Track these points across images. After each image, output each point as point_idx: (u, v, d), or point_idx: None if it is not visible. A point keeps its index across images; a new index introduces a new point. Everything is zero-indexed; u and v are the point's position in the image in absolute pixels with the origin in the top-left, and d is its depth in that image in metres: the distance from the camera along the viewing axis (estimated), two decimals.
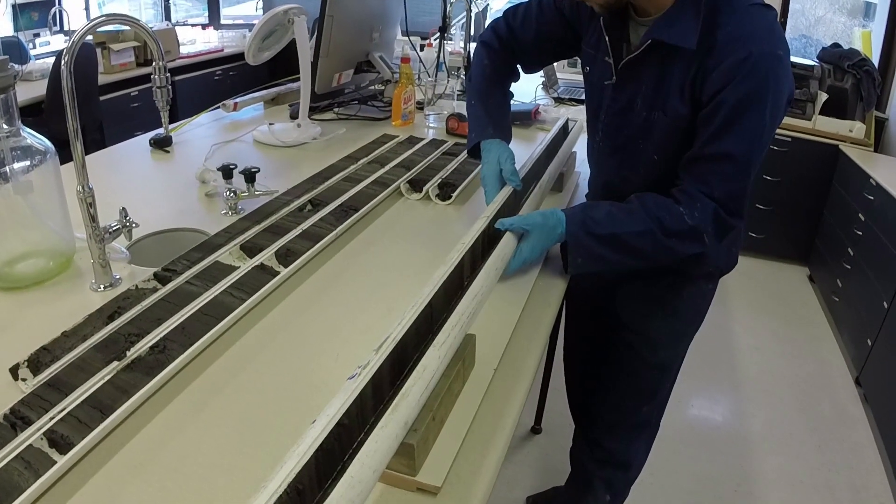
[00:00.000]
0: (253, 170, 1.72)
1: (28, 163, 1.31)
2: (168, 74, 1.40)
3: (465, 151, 1.74)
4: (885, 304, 3.00)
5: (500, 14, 1.75)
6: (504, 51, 1.72)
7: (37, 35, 5.02)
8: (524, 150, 2.04)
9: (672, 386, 1.86)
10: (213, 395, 1.06)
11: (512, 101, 1.82)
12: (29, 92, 3.99)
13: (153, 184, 1.95)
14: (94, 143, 4.20)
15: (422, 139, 2.27)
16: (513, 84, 1.82)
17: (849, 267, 3.58)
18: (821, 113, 4.13)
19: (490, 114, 1.69)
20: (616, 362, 1.82)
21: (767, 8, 1.31)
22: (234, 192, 1.69)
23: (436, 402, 0.94)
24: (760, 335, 3.64)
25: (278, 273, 1.36)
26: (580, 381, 2.19)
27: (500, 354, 1.19)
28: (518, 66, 1.79)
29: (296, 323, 1.26)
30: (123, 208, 1.39)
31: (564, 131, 2.17)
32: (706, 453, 2.79)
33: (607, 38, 1.44)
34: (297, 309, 1.31)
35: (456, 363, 1.03)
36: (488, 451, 0.97)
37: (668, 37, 1.30)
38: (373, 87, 2.92)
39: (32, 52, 4.79)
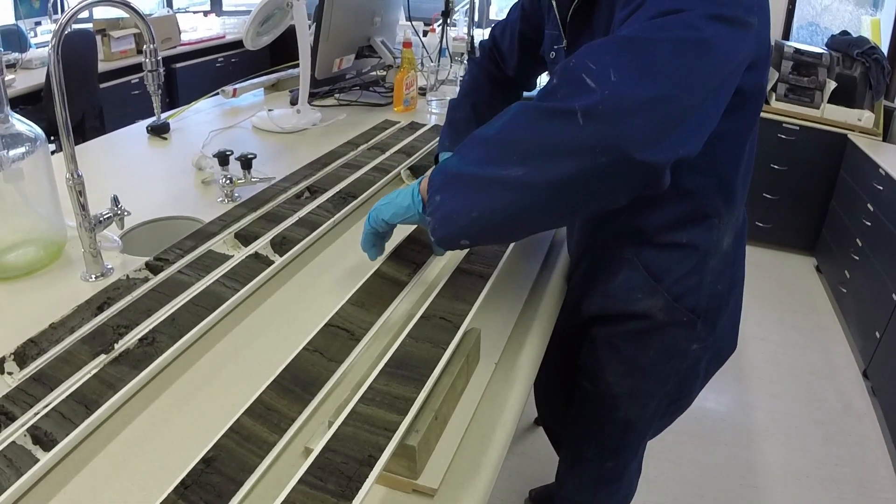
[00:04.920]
0: (249, 156, 1.68)
1: (19, 150, 1.28)
2: (159, 58, 1.36)
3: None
4: (894, 296, 2.96)
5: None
6: (489, 63, 1.64)
7: (38, 23, 4.98)
8: None
9: (643, 443, 1.63)
10: (202, 388, 1.02)
11: None
12: (28, 80, 3.95)
13: (149, 171, 1.92)
14: (94, 130, 4.17)
15: (423, 125, 2.23)
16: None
17: (857, 257, 3.54)
18: (829, 101, 4.09)
19: (453, 127, 1.61)
20: (577, 407, 1.58)
21: None
22: (231, 179, 1.65)
23: (438, 401, 0.90)
24: (766, 326, 3.60)
25: (273, 262, 1.32)
26: (552, 412, 2.04)
27: (502, 348, 1.15)
28: (512, 81, 1.65)
29: (290, 313, 1.22)
30: (115, 196, 1.35)
31: None
32: (711, 444, 2.76)
33: (555, 4, 1.26)
34: (292, 298, 1.27)
35: (459, 360, 0.99)
36: (488, 449, 0.93)
37: None
38: (374, 73, 2.88)
39: (33, 41, 4.76)
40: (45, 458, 0.85)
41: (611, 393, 1.43)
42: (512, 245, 1.38)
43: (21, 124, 1.29)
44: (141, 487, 0.84)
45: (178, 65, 5.24)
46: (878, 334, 3.07)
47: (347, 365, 1.04)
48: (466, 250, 1.30)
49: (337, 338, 1.07)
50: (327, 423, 0.88)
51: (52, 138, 4.27)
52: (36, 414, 0.92)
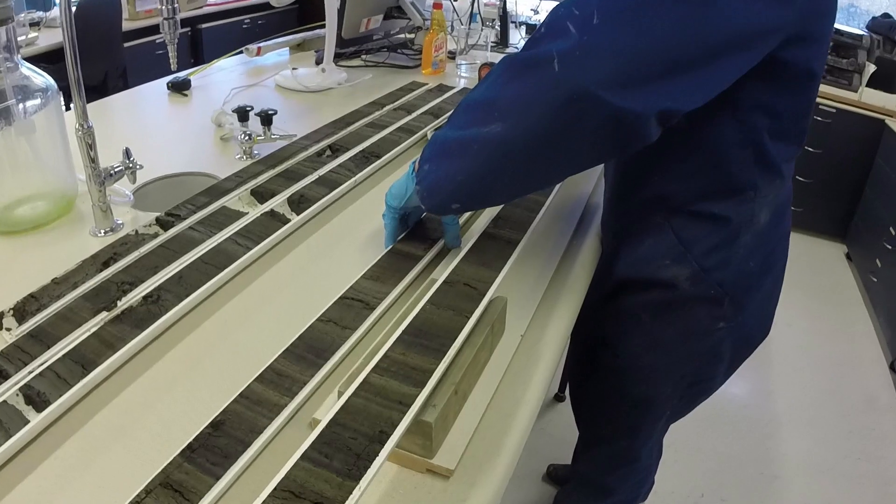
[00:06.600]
0: (270, 112, 1.62)
1: (31, 103, 1.24)
2: (176, 5, 1.29)
3: None
4: None
5: None
6: None
7: None
8: None
9: (662, 425, 1.56)
10: (207, 352, 0.97)
11: None
12: (51, 38, 3.91)
13: (168, 127, 1.87)
14: (116, 89, 4.12)
15: (452, 88, 2.16)
16: None
17: (889, 247, 3.44)
18: (868, 85, 3.97)
19: None
20: (596, 380, 1.53)
21: None
22: (250, 136, 1.59)
23: (459, 374, 0.83)
24: (792, 312, 3.52)
25: (289, 221, 1.26)
26: (576, 385, 1.95)
27: (529, 319, 1.08)
28: None
29: (305, 275, 1.17)
30: (127, 148, 1.30)
31: None
32: (731, 432, 2.70)
33: None
34: (308, 260, 1.21)
35: (483, 330, 0.92)
36: (510, 429, 0.86)
37: None
38: (402, 35, 2.82)
39: None
40: (36, 420, 0.80)
41: (630, 367, 1.38)
42: (543, 210, 1.32)
43: (32, 73, 1.25)
44: (138, 454, 0.80)
45: (204, 25, 5.20)
46: None
47: (361, 332, 0.98)
48: (496, 216, 1.27)
49: (351, 308, 1.02)
50: (336, 392, 0.81)
51: None
52: (30, 373, 0.87)
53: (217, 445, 0.76)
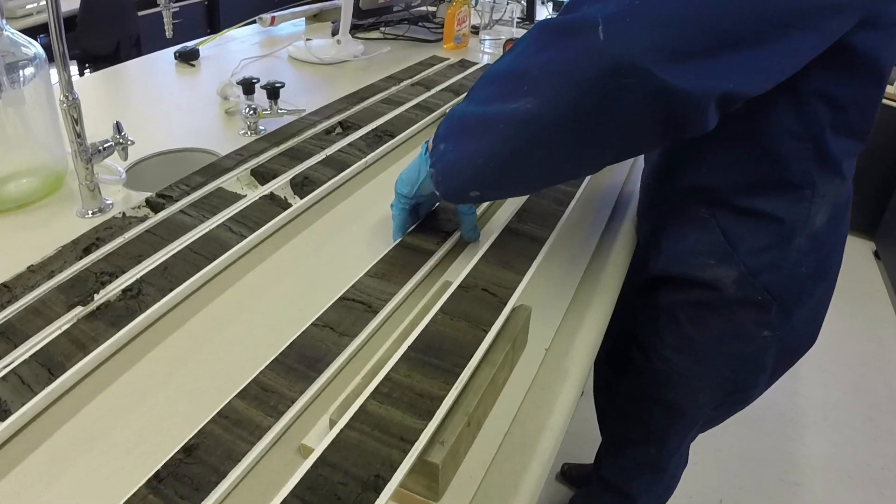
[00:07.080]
0: (276, 85, 1.52)
1: (20, 72, 1.16)
2: None
3: None
4: None
5: None
6: None
7: None
8: None
9: (694, 433, 1.47)
10: (191, 355, 0.86)
11: None
12: (64, 6, 3.82)
13: (172, 99, 1.77)
14: (129, 59, 4.09)
15: (475, 63, 2.05)
16: None
17: None
18: None
19: None
20: (626, 380, 1.44)
21: None
22: (255, 110, 1.49)
23: (474, 401, 0.71)
24: None
25: (291, 205, 1.16)
26: (603, 384, 1.85)
27: (555, 329, 0.96)
28: None
29: (304, 268, 1.06)
30: (117, 122, 1.20)
31: None
32: (753, 433, 2.61)
33: None
34: (308, 251, 1.11)
35: (504, 345, 0.80)
36: (531, 462, 0.75)
37: None
38: (424, 7, 2.71)
39: None
40: None
41: (664, 370, 1.27)
42: (573, 202, 1.20)
43: (21, 41, 1.18)
44: (107, 473, 0.71)
45: None
46: None
47: (362, 340, 0.87)
48: (520, 208, 1.15)
49: (352, 311, 0.91)
50: (328, 420, 0.70)
51: (87, 65, 4.19)
52: None
53: (188, 475, 0.65)
